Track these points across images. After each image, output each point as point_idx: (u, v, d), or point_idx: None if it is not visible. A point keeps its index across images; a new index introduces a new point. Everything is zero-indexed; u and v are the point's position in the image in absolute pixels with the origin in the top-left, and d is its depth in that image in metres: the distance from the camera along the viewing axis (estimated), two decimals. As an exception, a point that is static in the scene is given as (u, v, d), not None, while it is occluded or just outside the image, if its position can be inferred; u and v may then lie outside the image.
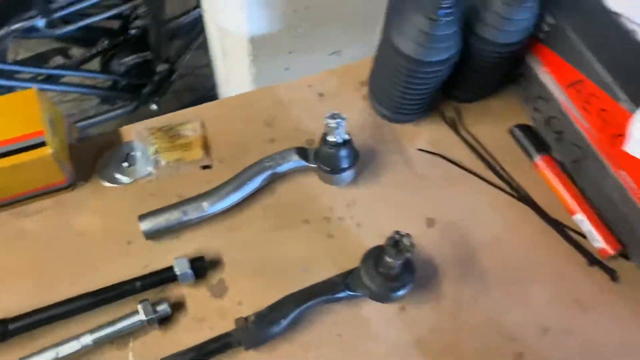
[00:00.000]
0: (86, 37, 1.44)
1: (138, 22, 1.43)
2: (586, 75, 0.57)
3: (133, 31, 1.48)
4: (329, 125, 0.55)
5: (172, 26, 1.50)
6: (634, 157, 0.54)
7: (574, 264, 0.59)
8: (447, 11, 0.52)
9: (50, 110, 0.56)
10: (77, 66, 1.36)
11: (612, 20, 0.57)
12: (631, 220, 0.57)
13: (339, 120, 0.55)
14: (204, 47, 1.28)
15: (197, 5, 1.47)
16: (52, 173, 0.55)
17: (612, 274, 0.59)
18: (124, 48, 1.47)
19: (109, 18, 1.39)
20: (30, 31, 1.14)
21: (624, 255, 0.60)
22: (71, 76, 1.36)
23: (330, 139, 0.57)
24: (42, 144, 0.52)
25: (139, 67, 1.46)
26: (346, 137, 0.56)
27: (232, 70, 0.82)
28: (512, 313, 0.56)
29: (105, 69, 1.45)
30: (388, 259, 0.50)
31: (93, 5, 1.21)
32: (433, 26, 0.52)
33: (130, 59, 1.46)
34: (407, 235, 0.48)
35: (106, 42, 1.42)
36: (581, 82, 0.58)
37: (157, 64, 1.45)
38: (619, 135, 0.55)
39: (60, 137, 0.56)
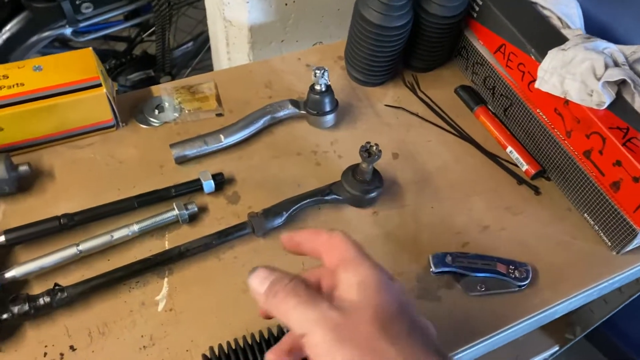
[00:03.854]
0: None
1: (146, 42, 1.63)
2: (507, 40, 0.77)
3: (137, 53, 1.67)
4: (316, 74, 0.72)
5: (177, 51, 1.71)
6: (544, 97, 0.72)
7: (506, 183, 0.76)
8: (401, -14, 0.71)
9: (100, 66, 0.72)
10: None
11: (523, -1, 0.78)
12: (547, 148, 0.75)
13: (323, 70, 0.72)
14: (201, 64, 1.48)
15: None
16: (102, 111, 0.71)
17: (536, 190, 0.76)
18: (130, 66, 1.65)
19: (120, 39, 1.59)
20: (56, 41, 1.32)
21: (546, 177, 0.78)
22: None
23: (316, 87, 0.74)
24: (98, 86, 0.69)
25: (143, 82, 1.64)
26: (328, 83, 0.74)
27: (234, 56, 1.00)
28: (459, 216, 0.72)
29: (113, 84, 1.63)
30: (362, 165, 0.67)
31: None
32: (390, -2, 0.72)
33: (135, 75, 1.64)
34: (376, 144, 0.66)
35: (113, 61, 1.60)
36: (504, 45, 0.77)
37: (160, 76, 1.63)
38: (533, 81, 0.74)
39: (108, 85, 0.72)
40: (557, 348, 1.13)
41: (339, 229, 0.42)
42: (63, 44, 1.46)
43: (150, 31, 1.69)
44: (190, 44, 1.77)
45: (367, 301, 0.36)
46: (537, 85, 0.72)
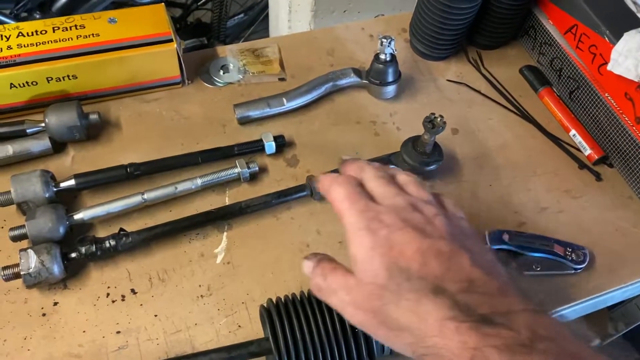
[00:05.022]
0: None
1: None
2: (580, 21, 0.75)
3: (191, 20, 1.69)
4: (382, 43, 0.72)
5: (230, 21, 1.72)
6: (615, 81, 0.70)
7: (567, 166, 0.75)
8: (477, -42, 0.69)
9: (171, 22, 0.74)
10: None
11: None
12: (612, 133, 0.74)
13: (390, 39, 0.72)
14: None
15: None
16: (171, 66, 0.72)
17: (597, 175, 0.75)
18: (184, 33, 1.67)
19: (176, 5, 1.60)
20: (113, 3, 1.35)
21: (608, 164, 0.76)
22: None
23: (381, 56, 0.74)
24: (169, 41, 0.70)
25: (196, 49, 1.66)
26: (393, 52, 0.73)
27: (295, 25, 1.00)
28: (517, 196, 0.71)
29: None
30: (424, 136, 0.67)
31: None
32: (466, -30, 0.70)
33: (189, 42, 1.66)
34: (441, 116, 0.65)
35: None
36: (576, 26, 0.76)
37: (214, 44, 1.65)
38: (604, 64, 0.72)
39: (177, 41, 0.74)
40: (597, 342, 1.12)
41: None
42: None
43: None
44: (242, 15, 1.78)
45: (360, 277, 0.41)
46: (609, 67, 0.70)
